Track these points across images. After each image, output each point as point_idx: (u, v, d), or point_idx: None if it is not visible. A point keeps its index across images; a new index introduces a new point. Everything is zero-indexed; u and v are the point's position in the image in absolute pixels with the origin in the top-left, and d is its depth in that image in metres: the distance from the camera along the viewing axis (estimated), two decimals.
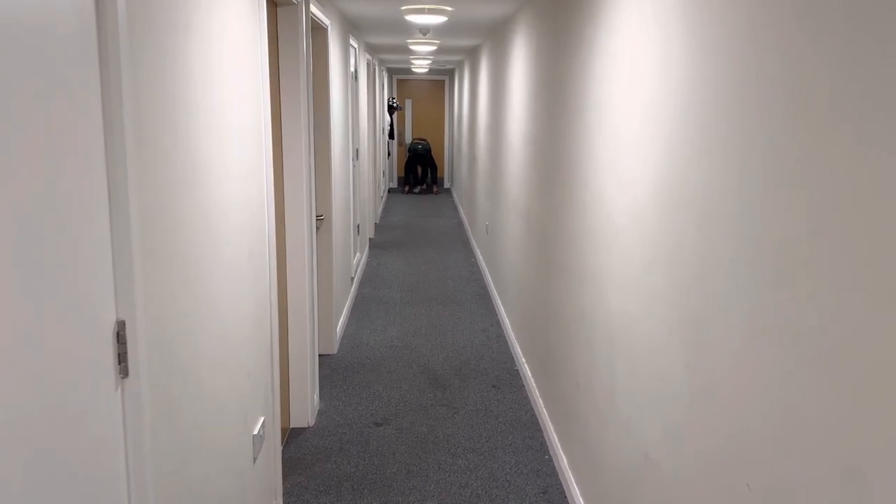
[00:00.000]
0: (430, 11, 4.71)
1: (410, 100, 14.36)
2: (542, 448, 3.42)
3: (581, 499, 2.78)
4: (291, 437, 3.52)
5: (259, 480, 2.48)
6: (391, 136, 12.90)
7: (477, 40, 7.40)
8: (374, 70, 9.15)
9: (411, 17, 4.86)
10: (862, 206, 1.04)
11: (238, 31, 2.17)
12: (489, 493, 3.01)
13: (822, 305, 1.14)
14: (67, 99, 1.11)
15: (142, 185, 1.39)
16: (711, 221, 1.58)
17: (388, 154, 12.97)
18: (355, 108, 6.17)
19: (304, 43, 3.35)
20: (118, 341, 1.30)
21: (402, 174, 13.68)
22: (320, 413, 3.81)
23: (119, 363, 1.31)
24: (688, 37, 1.74)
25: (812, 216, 1.17)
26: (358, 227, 6.61)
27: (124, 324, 1.30)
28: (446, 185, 13.99)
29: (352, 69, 5.88)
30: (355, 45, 6.10)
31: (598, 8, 2.64)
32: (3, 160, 0.95)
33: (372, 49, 8.40)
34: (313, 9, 3.75)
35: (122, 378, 1.33)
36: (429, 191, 13.21)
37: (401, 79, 14.33)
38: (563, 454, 3.13)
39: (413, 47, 7.60)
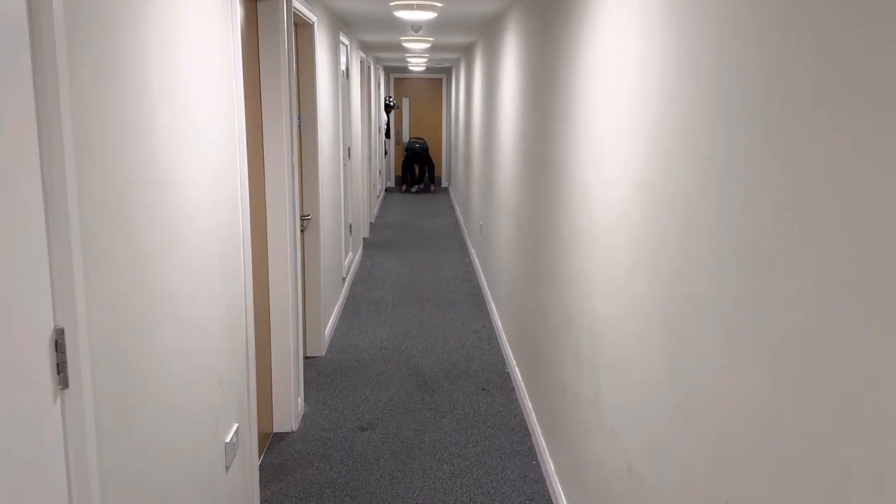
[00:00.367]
0: (420, 7, 4.64)
1: (408, 98, 14.32)
2: (531, 453, 3.36)
3: None
4: (274, 442, 3.46)
5: (233, 489, 2.41)
6: (388, 135, 12.86)
7: (471, 37, 7.34)
8: (369, 68, 9.10)
9: (400, 14, 4.79)
10: (849, 204, 1.00)
11: (206, 25, 2.10)
12: (474, 500, 2.95)
13: (807, 308, 1.09)
14: None
15: (85, 186, 1.32)
16: (694, 220, 1.54)
17: (385, 153, 12.91)
18: (347, 106, 6.11)
19: (286, 39, 3.28)
20: (56, 350, 1.23)
21: (400, 173, 13.64)
22: (305, 417, 3.75)
23: (58, 373, 1.24)
24: (670, 31, 1.70)
25: (796, 214, 1.13)
26: (350, 226, 6.56)
27: (63, 332, 1.23)
28: (444, 184, 13.96)
29: (343, 67, 5.82)
30: (346, 43, 6.04)
31: (583, 1, 2.59)
32: None
33: (366, 47, 8.34)
34: (298, 5, 3.68)
35: (62, 389, 1.26)
36: (426, 190, 13.18)
37: (398, 77, 14.30)
38: (550, 460, 3.07)
39: (407, 45, 7.54)
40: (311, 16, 4.11)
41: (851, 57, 0.99)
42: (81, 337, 1.28)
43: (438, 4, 4.70)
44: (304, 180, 4.35)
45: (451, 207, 11.28)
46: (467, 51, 8.80)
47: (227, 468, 2.33)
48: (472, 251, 7.54)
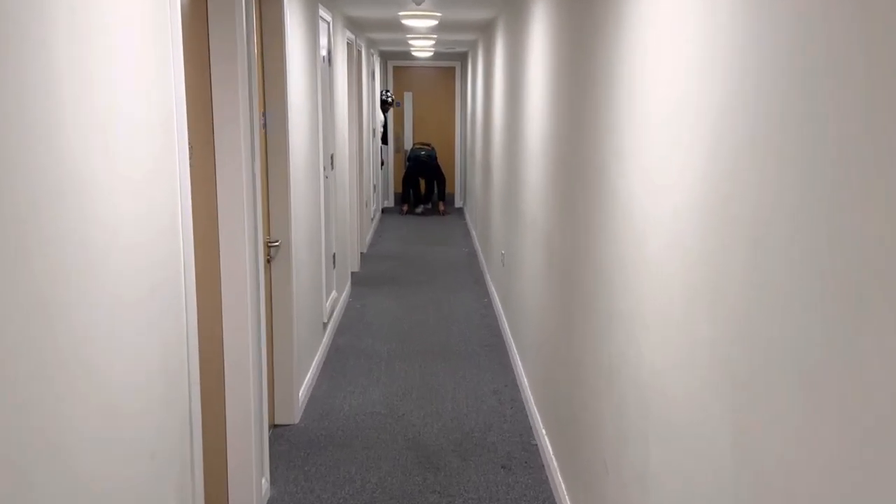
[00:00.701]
0: None
1: (411, 93, 14.46)
2: None
3: None
4: None
5: None
6: (385, 139, 12.94)
7: (489, 12, 7.39)
8: (360, 53, 9.19)
9: None
10: None
11: (130, 5, 2.12)
12: None
13: None
14: None
15: None
16: (767, 242, 1.53)
17: (382, 163, 13.01)
18: (329, 102, 6.16)
19: (242, 17, 3.31)
20: None
21: (401, 189, 13.69)
22: (271, 503, 3.72)
23: None
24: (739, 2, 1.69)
25: None
26: (334, 257, 6.57)
27: None
28: (457, 203, 14.02)
29: (323, 51, 5.87)
30: (328, 19, 6.10)
31: None
32: None
33: (355, 26, 8.42)
34: None
35: None
36: (434, 210, 13.22)
37: (398, 66, 14.45)
38: None
39: (407, 22, 7.61)
40: None
41: None
42: None
43: None
44: (270, 196, 4.37)
45: (467, 233, 11.34)
46: (486, 31, 8.88)
47: None
48: (493, 288, 7.57)
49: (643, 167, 2.39)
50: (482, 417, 4.79)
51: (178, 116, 2.45)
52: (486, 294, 7.78)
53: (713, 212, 1.81)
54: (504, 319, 6.48)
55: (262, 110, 4.16)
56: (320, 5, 5.71)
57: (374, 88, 11.35)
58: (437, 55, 13.72)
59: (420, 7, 6.37)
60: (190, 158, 2.67)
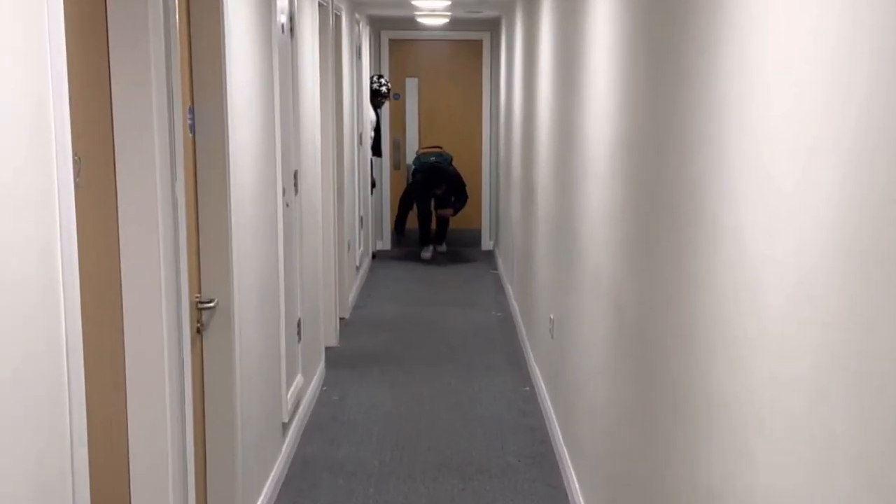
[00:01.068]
0: None
1: (416, 79, 14.54)
2: None
3: None
4: None
5: None
6: (377, 148, 12.94)
7: None
8: (338, 21, 9.24)
9: None
10: None
11: None
12: None
13: None
14: None
15: None
16: None
17: (373, 185, 13.01)
18: (292, 93, 6.17)
19: None
20: None
21: (397, 212, 13.57)
22: None
23: None
24: None
25: None
26: (300, 325, 6.55)
27: None
28: (485, 243, 13.98)
29: (282, 17, 5.91)
30: None
31: None
32: None
33: None
34: None
35: None
36: (448, 256, 13.17)
37: (397, 39, 14.54)
38: None
39: None
40: None
41: None
42: None
43: None
44: (201, 233, 4.39)
45: (499, 289, 11.34)
46: None
47: None
48: (537, 371, 7.55)
49: (756, 185, 2.40)
50: None
51: (58, 114, 2.46)
52: (528, 380, 7.76)
53: (860, 251, 1.81)
54: (553, 418, 6.47)
55: (188, 105, 4.18)
56: None
57: (360, 73, 11.39)
58: (456, 23, 13.75)
59: None
60: (76, 176, 2.67)
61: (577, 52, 5.54)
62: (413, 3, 10.72)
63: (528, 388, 7.53)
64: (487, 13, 12.50)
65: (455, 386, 7.64)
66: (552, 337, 6.64)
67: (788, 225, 2.18)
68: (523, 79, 9.19)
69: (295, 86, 6.32)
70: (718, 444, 2.70)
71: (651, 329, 3.62)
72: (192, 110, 4.27)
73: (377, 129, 12.93)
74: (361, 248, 11.57)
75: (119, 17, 3.30)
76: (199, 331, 4.32)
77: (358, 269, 11.13)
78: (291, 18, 6.26)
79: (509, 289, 10.58)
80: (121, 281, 3.39)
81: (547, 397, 6.88)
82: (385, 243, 14.04)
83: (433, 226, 13.26)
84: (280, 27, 5.81)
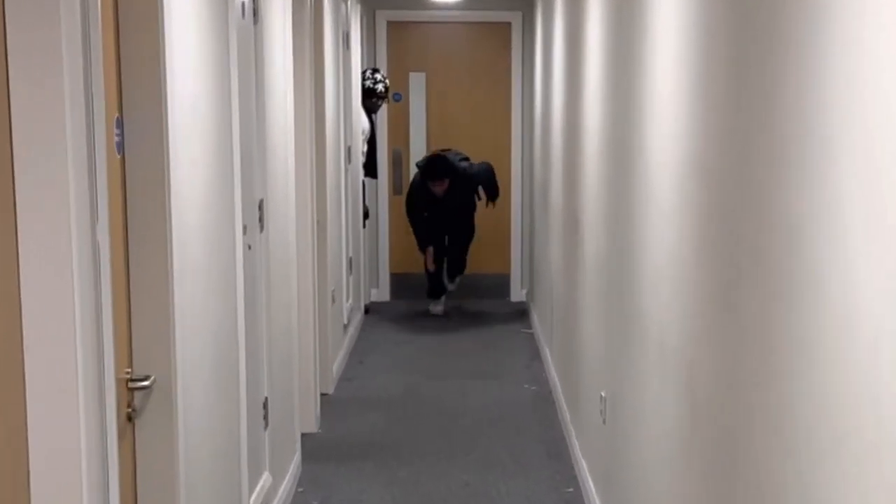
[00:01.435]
0: None
1: (423, 74, 14.55)
2: None
3: None
4: None
5: None
6: (370, 166, 12.93)
7: None
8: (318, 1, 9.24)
9: None
10: None
11: None
12: None
13: None
14: None
15: None
16: None
17: (366, 215, 12.99)
18: (257, 96, 6.16)
19: None
20: None
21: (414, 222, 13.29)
22: None
23: None
24: None
25: None
26: (266, 406, 6.54)
27: None
28: (518, 292, 14.00)
29: None
30: None
31: None
32: None
33: None
34: None
35: None
36: (450, 283, 13.17)
37: (397, 22, 14.55)
38: None
39: None
40: None
41: None
42: None
43: None
44: (133, 287, 4.38)
45: (533, 353, 11.40)
46: None
47: None
48: (583, 465, 7.56)
49: (875, 230, 2.40)
50: None
51: None
52: (571, 478, 7.76)
53: None
54: None
55: (114, 117, 4.16)
56: None
57: (349, 67, 11.41)
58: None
59: None
60: None
61: (635, 46, 5.56)
62: None
63: (571, 490, 7.53)
64: None
65: (474, 487, 7.62)
66: (604, 421, 6.63)
67: None
68: (565, 78, 9.20)
69: (260, 87, 6.33)
70: None
71: (732, 414, 3.63)
72: (119, 123, 4.25)
73: (371, 141, 12.92)
74: (350, 301, 11.58)
75: (20, 7, 3.30)
76: (129, 418, 4.30)
77: (346, 327, 11.13)
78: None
79: (547, 354, 10.57)
80: (22, 354, 3.37)
81: (597, 502, 6.87)
82: (382, 293, 14.04)
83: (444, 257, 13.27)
84: (240, 7, 5.81)
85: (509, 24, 14.35)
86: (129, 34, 4.30)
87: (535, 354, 11.16)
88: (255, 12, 6.26)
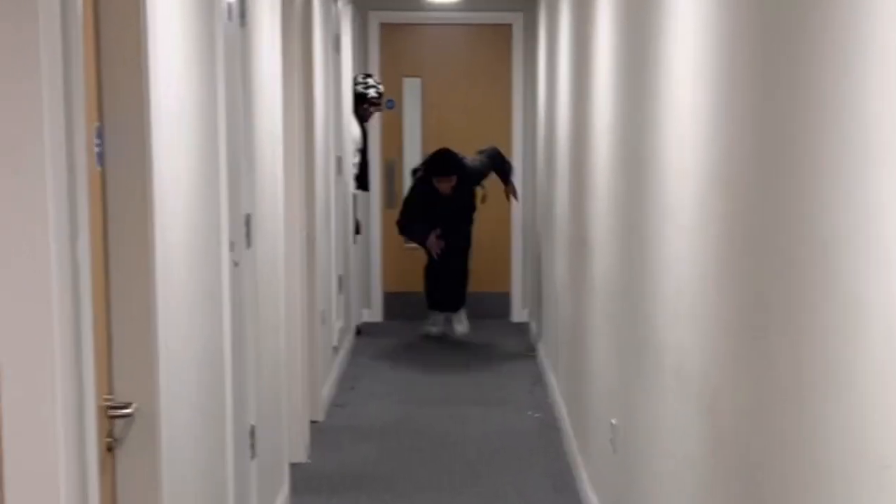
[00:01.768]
0: None
1: (419, 80, 14.62)
2: None
3: None
4: None
5: None
6: (363, 179, 12.93)
7: None
8: (308, 1, 9.23)
9: None
10: None
11: None
12: None
13: None
14: None
15: None
16: None
17: (357, 230, 13.01)
18: (241, 106, 6.16)
19: None
20: None
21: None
22: None
23: None
24: None
25: None
26: (253, 435, 6.52)
27: None
28: (520, 313, 14.14)
29: None
30: None
31: None
32: None
33: None
34: None
35: None
36: (454, 314, 13.15)
37: (391, 24, 14.63)
38: None
39: None
40: None
41: None
42: None
43: None
44: (112, 312, 4.35)
45: (536, 378, 11.49)
46: None
47: None
48: (592, 499, 7.58)
49: None
50: None
51: None
52: None
53: None
54: None
55: (94, 126, 4.14)
56: None
57: (339, 73, 11.42)
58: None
59: None
60: None
61: (650, 49, 5.57)
62: None
63: None
64: None
65: None
66: (614, 451, 6.63)
67: None
68: (571, 83, 9.21)
69: (248, 94, 6.32)
70: None
71: (759, 447, 3.62)
72: (100, 133, 4.23)
73: (363, 151, 12.92)
74: (341, 321, 11.60)
75: None
76: (110, 448, 4.27)
77: (336, 350, 11.14)
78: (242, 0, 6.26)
79: (552, 379, 10.61)
80: None
81: None
82: (374, 313, 14.07)
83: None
84: (226, 11, 5.80)
85: (510, 26, 14.40)
86: (110, 39, 4.27)
87: (539, 380, 11.20)
88: (243, 16, 6.24)
